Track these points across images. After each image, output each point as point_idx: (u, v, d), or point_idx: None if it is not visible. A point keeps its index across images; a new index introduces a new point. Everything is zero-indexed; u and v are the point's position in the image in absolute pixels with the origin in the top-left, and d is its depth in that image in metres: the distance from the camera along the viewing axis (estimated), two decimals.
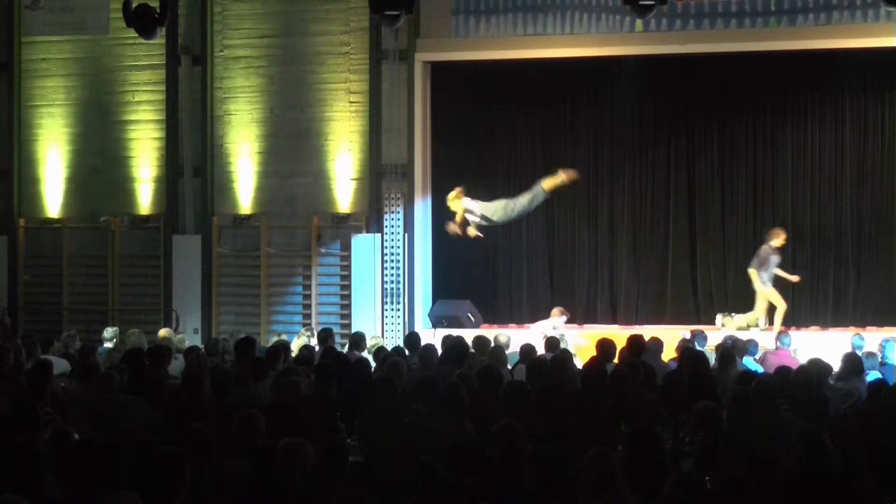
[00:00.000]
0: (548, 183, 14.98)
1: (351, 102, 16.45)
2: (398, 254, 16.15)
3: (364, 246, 16.12)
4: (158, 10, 12.88)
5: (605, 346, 10.40)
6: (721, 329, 14.57)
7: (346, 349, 12.32)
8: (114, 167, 17.18)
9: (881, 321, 15.12)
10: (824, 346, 13.16)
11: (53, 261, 17.35)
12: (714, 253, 16.40)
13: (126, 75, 17.13)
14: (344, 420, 8.46)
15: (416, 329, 15.02)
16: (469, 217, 15.06)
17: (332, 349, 11.70)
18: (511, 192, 16.84)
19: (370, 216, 16.30)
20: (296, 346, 12.47)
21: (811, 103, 16.15)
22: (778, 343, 12.28)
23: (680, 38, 15.39)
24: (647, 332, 12.56)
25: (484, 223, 15.10)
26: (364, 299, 16.04)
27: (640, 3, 12.24)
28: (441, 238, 16.49)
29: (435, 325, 15.30)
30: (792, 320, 15.45)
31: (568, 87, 16.61)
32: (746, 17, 15.23)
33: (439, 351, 10.94)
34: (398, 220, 16.19)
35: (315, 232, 16.55)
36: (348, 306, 16.30)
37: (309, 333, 13.78)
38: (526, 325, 15.75)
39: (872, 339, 12.69)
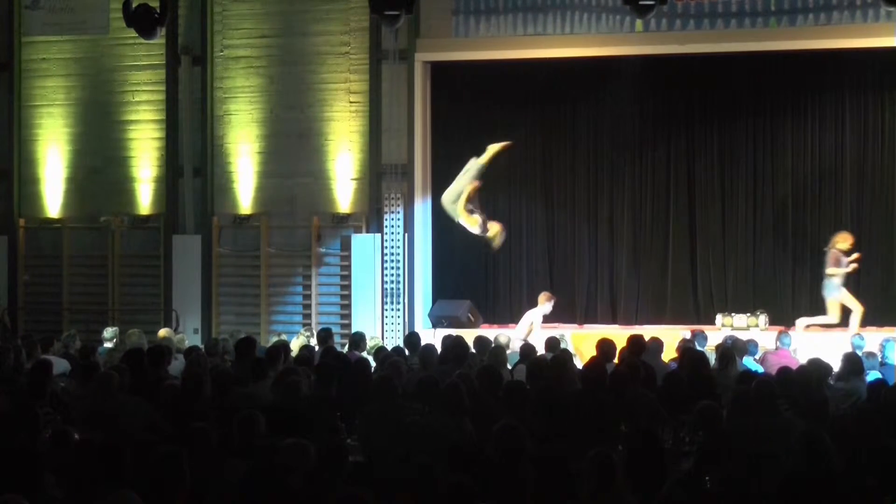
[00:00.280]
0: (480, 160, 14.90)
1: (351, 102, 16.45)
2: (398, 254, 16.15)
3: (364, 246, 16.12)
4: (158, 10, 12.89)
5: (605, 346, 10.41)
6: (721, 329, 14.53)
7: (346, 349, 12.32)
8: (114, 167, 17.18)
9: (881, 321, 15.12)
10: (824, 346, 13.16)
11: (53, 261, 17.35)
12: (714, 253, 16.40)
13: (126, 75, 17.13)
14: (344, 420, 8.46)
15: (416, 329, 15.02)
16: (475, 216, 14.98)
17: (332, 349, 11.71)
18: (511, 191, 16.91)
19: (370, 216, 16.30)
20: (296, 346, 12.47)
21: (811, 103, 16.14)
22: (778, 343, 12.28)
23: (680, 38, 15.40)
24: (647, 332, 12.56)
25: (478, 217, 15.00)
26: (364, 299, 16.04)
27: (640, 3, 12.25)
28: (441, 238, 16.51)
29: (435, 325, 15.30)
30: (792, 320, 15.44)
31: (568, 87, 16.59)
32: (746, 17, 15.23)
33: (439, 351, 10.94)
34: (398, 220, 16.19)
35: (315, 232, 16.55)
36: (348, 306, 16.30)
37: (309, 333, 13.79)
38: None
39: (872, 339, 12.68)
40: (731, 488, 5.92)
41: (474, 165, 14.92)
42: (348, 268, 16.37)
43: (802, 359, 11.21)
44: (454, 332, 13.49)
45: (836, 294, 14.78)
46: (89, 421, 8.15)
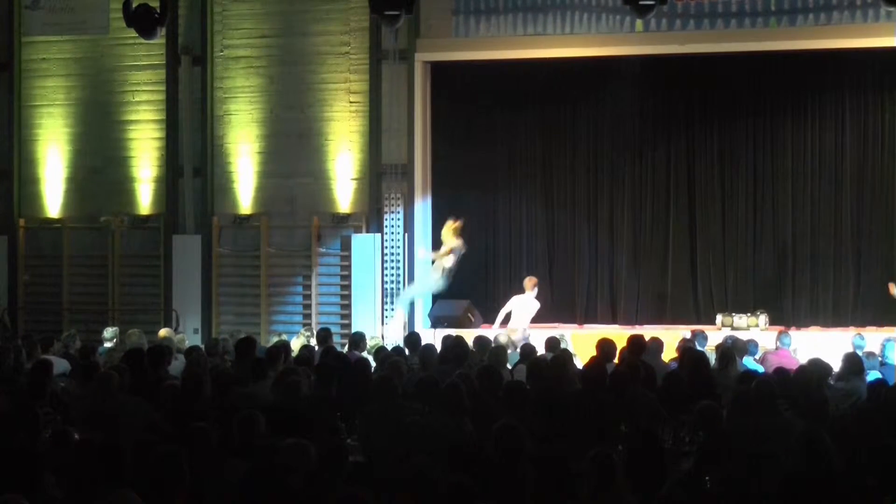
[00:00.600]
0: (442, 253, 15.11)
1: (351, 102, 16.45)
2: (398, 254, 16.15)
3: (364, 246, 16.12)
4: (158, 10, 12.89)
5: (605, 346, 10.40)
6: (721, 329, 14.55)
7: (345, 349, 12.32)
8: (114, 167, 17.18)
9: (881, 321, 15.11)
10: (824, 346, 13.15)
11: (53, 261, 17.35)
12: (714, 253, 16.40)
13: (126, 75, 17.13)
14: (344, 420, 8.46)
15: (416, 329, 15.03)
16: (450, 256, 15.08)
17: (332, 349, 11.70)
18: (511, 191, 16.91)
19: (370, 216, 16.30)
20: (296, 346, 12.46)
21: (811, 103, 16.14)
22: (778, 343, 12.28)
23: (680, 38, 15.39)
24: (647, 332, 12.56)
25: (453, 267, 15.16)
26: (364, 299, 16.03)
27: (640, 3, 12.25)
28: (441, 238, 16.49)
29: (434, 326, 15.29)
30: (792, 320, 15.46)
31: (568, 87, 16.60)
32: (746, 17, 15.23)
33: (439, 351, 10.94)
34: (398, 220, 16.19)
35: (315, 232, 16.55)
36: (348, 306, 16.29)
37: (309, 333, 13.78)
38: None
39: (872, 339, 12.68)
40: (731, 488, 5.92)
41: (438, 261, 15.16)
42: (348, 268, 16.36)
43: (802, 359, 11.21)
44: (454, 332, 13.48)
45: None
46: (89, 421, 8.15)
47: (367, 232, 16.24)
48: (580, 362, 10.81)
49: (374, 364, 10.68)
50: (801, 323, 15.55)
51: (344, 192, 16.49)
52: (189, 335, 15.12)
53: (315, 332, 13.67)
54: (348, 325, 15.93)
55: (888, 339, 12.16)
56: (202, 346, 12.67)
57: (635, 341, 10.70)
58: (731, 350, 10.97)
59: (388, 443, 7.70)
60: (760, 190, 16.31)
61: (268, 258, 16.75)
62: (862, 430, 7.35)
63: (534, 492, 6.18)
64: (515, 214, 16.94)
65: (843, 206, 16.03)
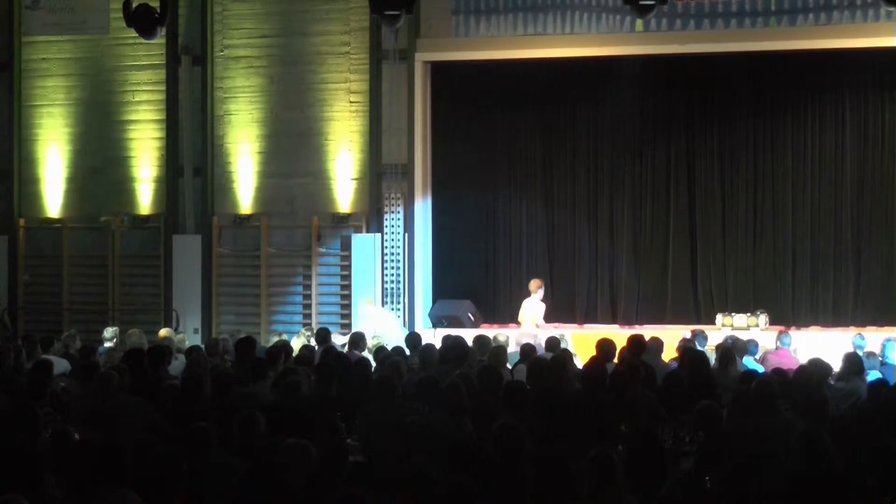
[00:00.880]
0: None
1: (351, 102, 16.45)
2: (398, 254, 16.15)
3: (364, 246, 16.12)
4: (158, 10, 12.88)
5: (605, 346, 10.40)
6: (721, 329, 14.55)
7: (345, 349, 12.32)
8: (114, 167, 17.18)
9: (881, 321, 15.11)
10: (824, 346, 13.15)
11: (53, 261, 17.35)
12: (714, 253, 16.40)
13: (126, 75, 17.13)
14: (344, 420, 8.46)
15: (416, 329, 15.03)
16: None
17: (332, 349, 11.70)
18: (511, 191, 16.91)
19: (370, 216, 16.30)
20: (296, 346, 12.46)
21: (811, 103, 16.14)
22: (778, 343, 12.28)
23: (680, 38, 15.39)
24: (647, 332, 12.55)
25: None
26: (364, 299, 16.01)
27: (640, 3, 12.24)
28: (441, 238, 16.52)
29: (435, 325, 15.29)
30: (792, 320, 15.46)
31: (568, 87, 16.60)
32: (746, 17, 15.22)
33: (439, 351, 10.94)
34: (398, 220, 16.19)
35: (315, 232, 16.55)
36: (348, 306, 16.29)
37: (309, 333, 13.78)
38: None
39: (872, 339, 12.68)
40: (731, 488, 5.92)
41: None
42: (348, 268, 16.36)
43: (802, 359, 11.21)
44: (454, 331, 13.48)
45: None
46: (89, 421, 8.15)
47: (367, 232, 16.24)
48: (580, 362, 10.81)
49: (374, 364, 10.67)
50: (801, 323, 15.54)
51: (344, 192, 16.50)
52: (189, 335, 15.12)
53: (315, 332, 13.67)
54: (348, 325, 15.92)
55: (888, 339, 12.15)
56: (202, 346, 12.67)
57: (635, 341, 10.70)
58: (731, 350, 10.97)
59: (388, 443, 7.70)
60: (760, 190, 16.31)
61: (268, 258, 16.75)
62: (862, 430, 7.35)
63: (534, 492, 6.18)
64: (515, 214, 16.94)
65: (843, 206, 16.02)
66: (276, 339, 13.53)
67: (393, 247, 16.16)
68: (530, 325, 14.83)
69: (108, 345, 13.03)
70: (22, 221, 17.39)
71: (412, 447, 7.10)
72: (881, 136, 15.95)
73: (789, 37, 15.13)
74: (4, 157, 17.34)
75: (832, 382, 9.91)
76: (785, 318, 15.48)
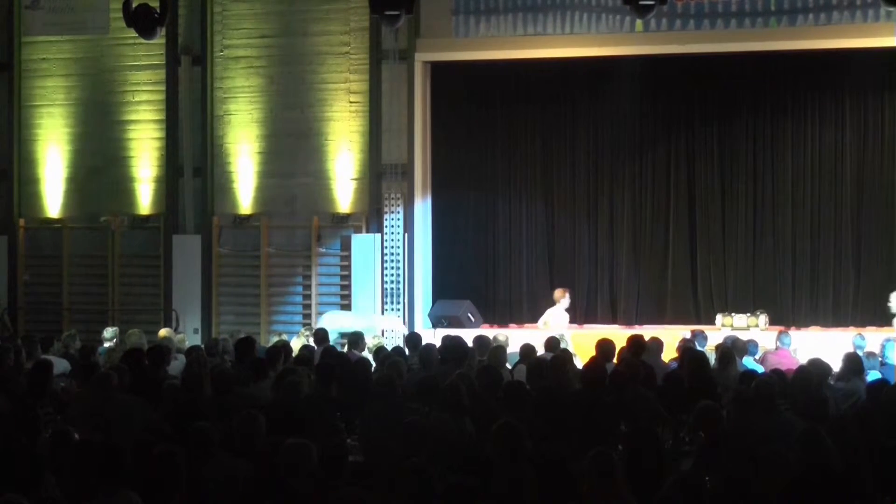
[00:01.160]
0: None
1: (351, 102, 16.45)
2: (398, 254, 16.14)
3: (364, 246, 16.11)
4: (158, 10, 12.88)
5: (605, 346, 10.41)
6: (721, 329, 14.55)
7: (345, 349, 12.32)
8: (114, 167, 17.17)
9: (881, 321, 15.10)
10: (824, 346, 13.15)
11: (53, 261, 17.35)
12: (714, 253, 16.39)
13: (126, 75, 17.12)
14: (344, 420, 8.46)
15: (416, 329, 15.02)
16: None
17: (332, 349, 11.70)
18: (511, 191, 16.91)
19: (370, 216, 16.29)
20: (296, 346, 12.46)
21: (811, 103, 16.13)
22: (778, 343, 12.28)
23: (680, 38, 15.38)
24: (647, 332, 12.55)
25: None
26: (364, 299, 16.03)
27: (640, 3, 12.24)
28: (441, 238, 16.52)
29: (435, 325, 15.29)
30: (792, 320, 15.45)
31: (568, 87, 16.60)
32: (746, 17, 15.22)
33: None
34: (398, 220, 16.19)
35: (315, 232, 16.55)
36: (348, 306, 16.28)
37: (308, 333, 13.78)
38: (526, 325, 15.72)
39: (872, 339, 12.68)
40: (731, 488, 5.92)
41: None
42: (348, 268, 16.36)
43: (802, 359, 11.21)
44: (454, 332, 13.48)
45: None
46: (89, 421, 8.15)
47: (367, 232, 16.23)
48: (580, 362, 10.81)
49: (374, 364, 10.68)
50: (801, 323, 15.54)
51: (344, 192, 16.49)
52: (189, 335, 15.12)
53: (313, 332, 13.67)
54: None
55: (888, 339, 12.16)
56: (202, 346, 12.67)
57: (635, 341, 10.71)
58: (731, 350, 10.98)
59: (388, 443, 7.70)
60: (760, 190, 16.30)
61: (268, 258, 16.75)
62: (862, 430, 7.35)
63: (534, 492, 6.17)
64: (515, 214, 16.92)
65: (844, 206, 16.02)
66: (275, 339, 13.53)
67: (393, 247, 16.16)
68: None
69: (107, 345, 13.03)
70: (22, 221, 17.39)
71: (412, 447, 7.10)
72: (881, 136, 15.94)
73: (789, 37, 15.12)
74: (4, 157, 17.34)
75: (832, 382, 9.91)
76: (785, 318, 15.48)
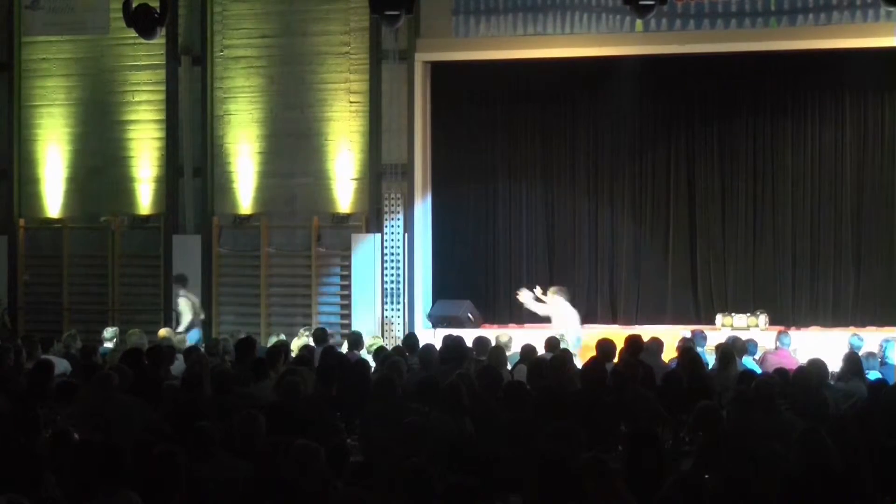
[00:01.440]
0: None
1: (351, 102, 16.45)
2: (398, 254, 16.15)
3: (364, 246, 16.12)
4: (158, 10, 12.89)
5: (604, 346, 10.41)
6: (721, 329, 14.55)
7: (344, 348, 12.33)
8: (114, 167, 17.18)
9: (881, 321, 15.12)
10: (824, 346, 13.15)
11: (53, 261, 17.35)
12: (714, 253, 16.40)
13: (126, 75, 17.13)
14: (344, 420, 8.46)
15: (416, 329, 15.02)
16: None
17: (332, 349, 11.70)
18: (511, 191, 16.91)
19: (370, 216, 16.29)
20: (296, 346, 12.47)
21: (811, 103, 16.14)
22: (778, 343, 12.28)
23: (680, 38, 15.39)
24: (647, 332, 12.56)
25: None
26: (364, 299, 16.03)
27: (640, 3, 12.24)
28: (441, 238, 16.52)
29: (435, 326, 15.30)
30: (792, 320, 15.46)
31: (568, 87, 16.60)
32: (746, 17, 15.22)
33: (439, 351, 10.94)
34: (398, 220, 16.19)
35: (315, 232, 16.55)
36: (348, 306, 16.29)
37: (309, 333, 13.78)
38: (526, 325, 15.71)
39: (872, 339, 12.68)
40: (730, 488, 5.91)
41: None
42: (348, 268, 16.36)
43: (802, 359, 11.20)
44: (454, 332, 13.48)
45: None
46: (89, 421, 8.15)
47: (367, 232, 16.23)
48: (580, 362, 10.81)
49: (374, 364, 10.68)
50: (801, 323, 15.55)
51: (344, 192, 16.49)
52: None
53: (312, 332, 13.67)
54: (348, 325, 15.92)
55: (888, 339, 12.16)
56: (202, 346, 12.67)
57: (632, 341, 10.71)
58: (731, 350, 10.97)
59: (388, 443, 7.70)
60: (760, 190, 16.30)
61: (268, 258, 16.75)
62: (862, 430, 7.35)
63: (533, 491, 6.17)
64: (515, 214, 16.93)
65: (843, 206, 16.02)
66: (275, 339, 13.54)
67: (393, 247, 16.16)
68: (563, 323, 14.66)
69: (108, 345, 13.03)
70: (22, 221, 17.39)
71: (412, 447, 7.10)
72: (881, 136, 15.94)
73: (789, 37, 15.13)
74: (4, 157, 17.34)
75: (832, 382, 9.90)
76: (785, 318, 15.48)
